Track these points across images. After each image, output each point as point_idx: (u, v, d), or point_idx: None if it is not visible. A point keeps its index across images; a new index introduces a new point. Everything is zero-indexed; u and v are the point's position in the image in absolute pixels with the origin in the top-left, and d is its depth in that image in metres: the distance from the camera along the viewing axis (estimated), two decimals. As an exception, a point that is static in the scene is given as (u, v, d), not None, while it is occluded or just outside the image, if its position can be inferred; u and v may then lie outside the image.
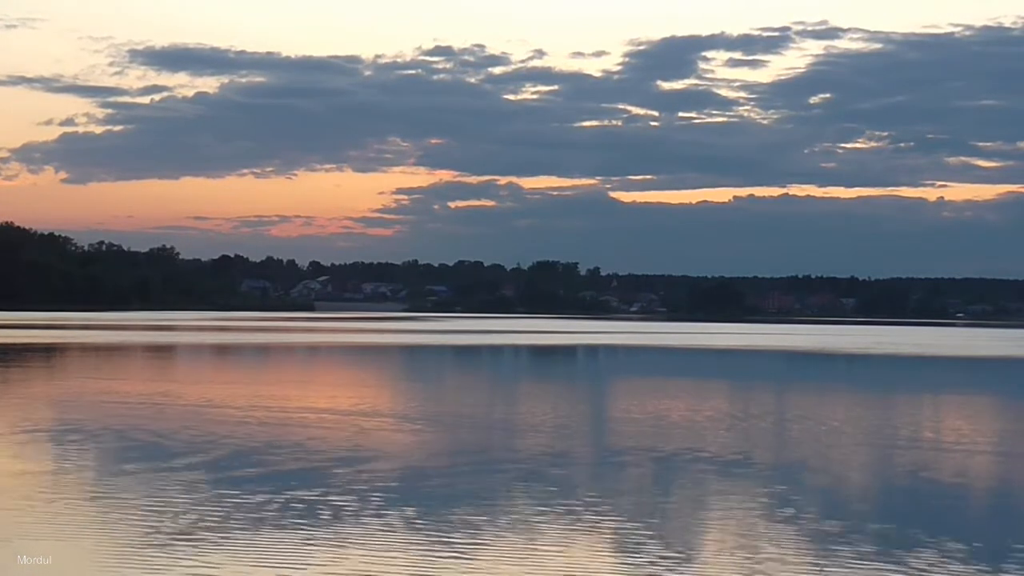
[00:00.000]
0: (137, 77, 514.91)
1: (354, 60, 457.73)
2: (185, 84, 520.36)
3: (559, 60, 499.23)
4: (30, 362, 61.26)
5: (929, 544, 19.14)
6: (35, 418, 34.60)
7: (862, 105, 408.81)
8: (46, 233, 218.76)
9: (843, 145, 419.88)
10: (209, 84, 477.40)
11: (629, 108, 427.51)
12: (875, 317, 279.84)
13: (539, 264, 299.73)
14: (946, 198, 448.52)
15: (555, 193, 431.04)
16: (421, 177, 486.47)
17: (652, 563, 17.56)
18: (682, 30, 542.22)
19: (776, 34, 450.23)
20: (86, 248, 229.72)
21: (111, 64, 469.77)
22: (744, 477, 25.70)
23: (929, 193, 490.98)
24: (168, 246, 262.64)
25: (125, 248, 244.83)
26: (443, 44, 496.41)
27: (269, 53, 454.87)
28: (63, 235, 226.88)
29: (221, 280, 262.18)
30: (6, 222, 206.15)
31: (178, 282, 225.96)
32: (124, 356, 70.25)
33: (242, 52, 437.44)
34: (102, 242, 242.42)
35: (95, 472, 24.76)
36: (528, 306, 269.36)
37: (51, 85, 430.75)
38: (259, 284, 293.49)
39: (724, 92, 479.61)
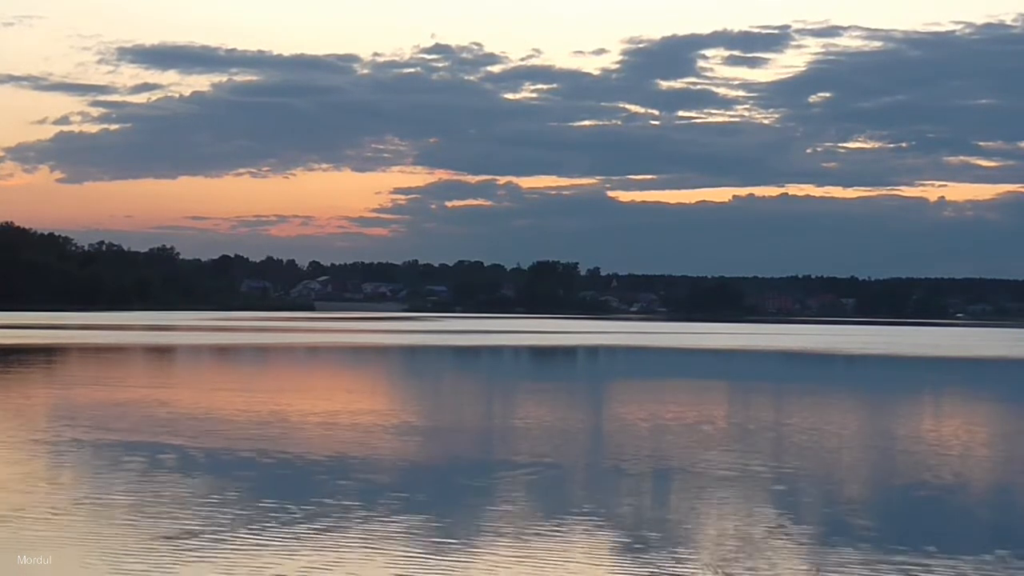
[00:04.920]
0: (126, 75, 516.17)
1: (352, 59, 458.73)
2: (176, 83, 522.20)
3: (558, 58, 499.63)
4: (29, 364, 61.25)
5: (929, 547, 19.15)
6: (34, 421, 34.61)
7: (862, 104, 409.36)
8: (46, 233, 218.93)
9: (843, 145, 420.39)
10: (199, 83, 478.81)
11: (628, 107, 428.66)
12: (875, 317, 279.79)
13: (539, 264, 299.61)
14: (946, 198, 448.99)
15: (554, 193, 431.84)
16: (419, 176, 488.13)
17: (651, 567, 17.56)
18: (681, 29, 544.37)
19: (776, 32, 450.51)
20: (86, 248, 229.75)
21: (100, 62, 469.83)
22: (743, 480, 25.70)
23: (929, 193, 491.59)
24: (168, 246, 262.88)
25: (125, 248, 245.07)
26: (441, 43, 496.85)
27: (260, 51, 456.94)
28: (63, 235, 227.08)
29: (221, 280, 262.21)
30: (6, 222, 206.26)
31: (178, 282, 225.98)
32: (123, 357, 70.26)
33: (233, 50, 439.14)
34: (102, 242, 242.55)
35: (94, 474, 24.76)
36: (528, 306, 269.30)
37: (39, 83, 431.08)
38: (259, 284, 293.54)
39: (724, 91, 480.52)
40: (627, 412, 40.10)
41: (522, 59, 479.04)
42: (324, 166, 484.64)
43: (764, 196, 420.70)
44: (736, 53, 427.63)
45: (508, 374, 66.44)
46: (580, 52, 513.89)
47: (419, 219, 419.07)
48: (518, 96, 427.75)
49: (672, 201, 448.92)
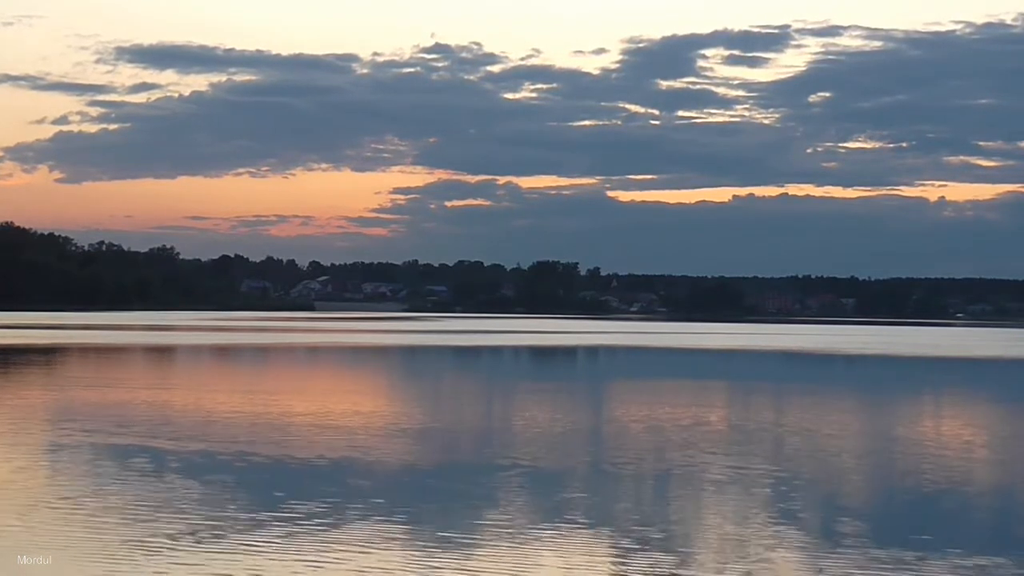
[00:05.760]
0: (125, 75, 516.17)
1: (351, 58, 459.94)
2: (174, 82, 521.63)
3: (558, 58, 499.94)
4: (28, 364, 61.28)
5: (929, 548, 19.17)
6: (33, 421, 34.64)
7: (862, 104, 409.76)
8: (46, 233, 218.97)
9: (843, 145, 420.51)
10: (198, 82, 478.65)
11: (628, 107, 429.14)
12: (875, 317, 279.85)
13: (539, 264, 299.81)
14: (946, 198, 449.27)
15: (554, 193, 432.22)
16: (419, 176, 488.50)
17: (650, 568, 17.58)
18: (681, 28, 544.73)
19: (776, 32, 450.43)
20: (86, 248, 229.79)
21: (98, 62, 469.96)
22: (742, 481, 25.72)
23: (929, 193, 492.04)
24: (168, 246, 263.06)
25: (125, 248, 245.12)
26: (441, 42, 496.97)
27: (259, 51, 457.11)
28: (63, 235, 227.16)
29: (221, 280, 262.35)
30: (6, 222, 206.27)
31: (178, 282, 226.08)
32: (123, 358, 70.27)
33: (231, 50, 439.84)
34: (102, 242, 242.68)
35: (93, 474, 24.78)
36: (528, 306, 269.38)
37: (37, 83, 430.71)
38: (259, 284, 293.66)
39: (723, 91, 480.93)
40: (626, 413, 40.12)
41: (522, 59, 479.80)
42: (324, 166, 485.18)
43: (764, 196, 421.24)
44: (736, 53, 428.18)
45: (508, 374, 66.46)
46: (580, 52, 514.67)
47: (419, 219, 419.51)
48: (518, 96, 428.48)
49: (672, 201, 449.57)
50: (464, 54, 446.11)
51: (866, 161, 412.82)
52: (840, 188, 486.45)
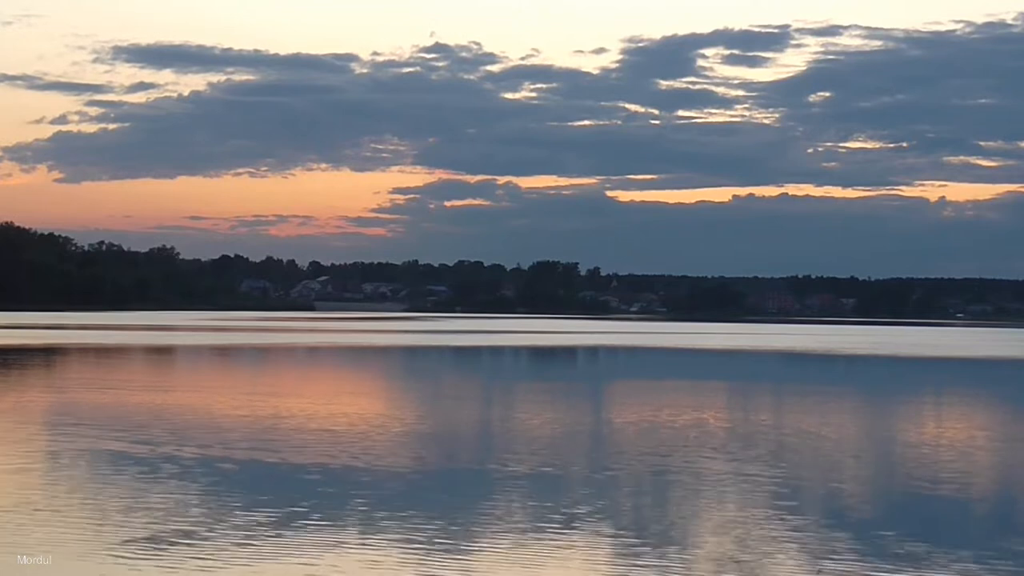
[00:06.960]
0: (123, 75, 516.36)
1: (350, 58, 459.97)
2: (172, 82, 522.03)
3: (557, 58, 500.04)
4: (28, 365, 61.28)
5: (929, 549, 19.18)
6: (33, 422, 34.65)
7: (862, 104, 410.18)
8: (46, 233, 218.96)
9: (843, 145, 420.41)
10: (196, 82, 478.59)
11: (628, 107, 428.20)
12: (875, 317, 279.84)
13: (539, 264, 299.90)
14: (946, 198, 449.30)
15: (553, 193, 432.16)
16: (418, 176, 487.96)
17: (650, 569, 17.59)
18: (681, 28, 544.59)
19: (776, 32, 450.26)
20: (86, 248, 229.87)
21: (95, 61, 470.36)
22: (743, 483, 25.72)
23: (929, 193, 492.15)
24: (168, 246, 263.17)
25: (125, 248, 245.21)
26: (440, 42, 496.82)
27: (257, 51, 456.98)
28: (63, 235, 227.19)
29: (221, 280, 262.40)
30: (6, 222, 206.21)
31: (178, 282, 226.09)
32: (123, 358, 70.26)
33: (229, 50, 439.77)
34: (102, 242, 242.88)
35: (92, 475, 24.80)
36: (528, 306, 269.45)
37: (34, 83, 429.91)
38: (259, 284, 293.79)
39: (723, 91, 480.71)
40: (626, 413, 40.12)
41: (521, 59, 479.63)
42: (323, 166, 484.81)
43: (764, 196, 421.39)
44: (736, 52, 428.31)
45: (508, 375, 66.46)
46: (580, 51, 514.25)
47: (418, 219, 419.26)
48: (517, 96, 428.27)
49: (672, 201, 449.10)
50: (464, 54, 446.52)
51: (866, 161, 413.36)
52: (840, 188, 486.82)
